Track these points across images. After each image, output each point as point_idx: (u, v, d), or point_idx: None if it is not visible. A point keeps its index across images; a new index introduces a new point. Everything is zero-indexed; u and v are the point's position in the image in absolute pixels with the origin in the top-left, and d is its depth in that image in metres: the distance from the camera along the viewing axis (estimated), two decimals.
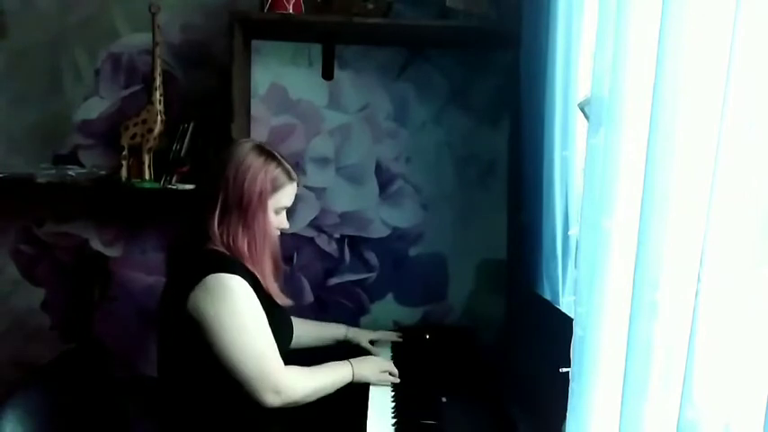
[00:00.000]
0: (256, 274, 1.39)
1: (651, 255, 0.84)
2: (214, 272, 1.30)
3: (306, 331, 1.72)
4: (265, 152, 1.43)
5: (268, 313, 1.36)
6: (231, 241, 1.37)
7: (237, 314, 1.30)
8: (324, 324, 1.84)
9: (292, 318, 1.60)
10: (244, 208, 1.37)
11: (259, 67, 2.06)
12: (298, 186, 1.49)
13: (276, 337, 1.37)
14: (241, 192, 1.37)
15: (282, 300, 1.47)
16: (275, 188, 1.42)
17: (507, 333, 1.97)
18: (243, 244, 1.37)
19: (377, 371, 1.56)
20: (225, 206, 1.37)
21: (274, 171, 1.41)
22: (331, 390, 1.46)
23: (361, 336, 1.83)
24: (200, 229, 1.38)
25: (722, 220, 0.71)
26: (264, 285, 1.40)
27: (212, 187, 1.39)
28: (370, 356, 1.66)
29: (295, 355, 1.52)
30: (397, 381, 1.57)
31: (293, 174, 1.46)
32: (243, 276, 1.33)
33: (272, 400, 1.32)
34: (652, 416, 0.84)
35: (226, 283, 1.30)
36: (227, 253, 1.37)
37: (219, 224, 1.37)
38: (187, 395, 1.36)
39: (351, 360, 1.54)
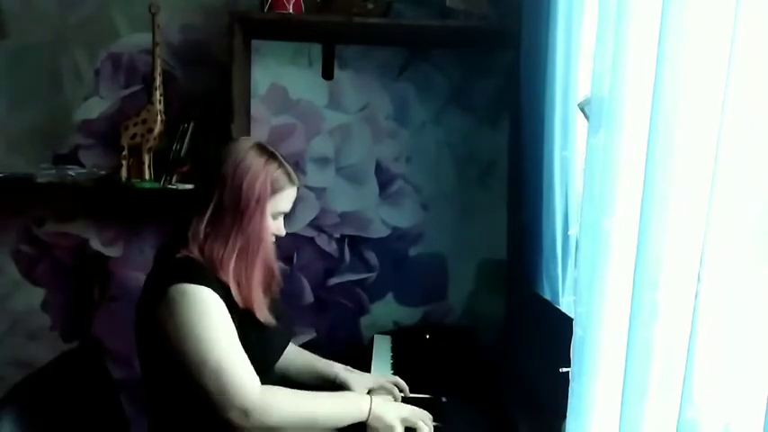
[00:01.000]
0: (232, 284, 1.26)
1: (651, 255, 0.84)
2: (179, 282, 1.21)
3: (294, 358, 1.54)
4: (267, 152, 1.34)
5: (250, 327, 1.27)
6: (218, 245, 1.27)
7: (196, 325, 1.19)
8: (317, 357, 1.59)
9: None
10: (240, 210, 1.28)
11: (259, 67, 2.06)
12: (298, 190, 1.40)
13: (256, 353, 1.24)
14: (239, 192, 1.28)
15: (263, 314, 1.30)
16: (275, 191, 1.32)
17: (507, 333, 1.97)
18: (232, 250, 1.27)
19: (399, 418, 1.27)
20: (219, 206, 1.28)
21: (275, 172, 1.32)
22: (328, 423, 1.26)
23: (356, 382, 1.50)
24: (185, 229, 1.29)
25: (722, 220, 0.71)
26: (243, 296, 1.27)
27: (207, 186, 1.30)
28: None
29: None
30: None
31: (294, 177, 1.37)
32: (212, 287, 1.22)
33: (237, 419, 1.17)
34: (652, 416, 0.84)
35: (187, 292, 1.21)
36: (202, 259, 1.26)
37: (208, 225, 1.28)
38: (167, 399, 1.31)
39: (373, 396, 1.35)
